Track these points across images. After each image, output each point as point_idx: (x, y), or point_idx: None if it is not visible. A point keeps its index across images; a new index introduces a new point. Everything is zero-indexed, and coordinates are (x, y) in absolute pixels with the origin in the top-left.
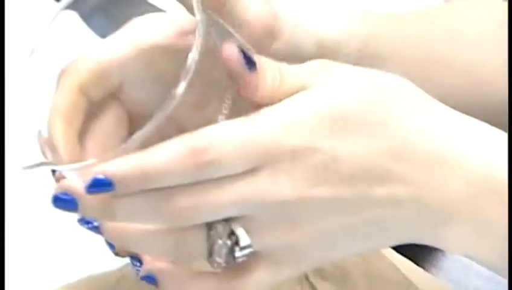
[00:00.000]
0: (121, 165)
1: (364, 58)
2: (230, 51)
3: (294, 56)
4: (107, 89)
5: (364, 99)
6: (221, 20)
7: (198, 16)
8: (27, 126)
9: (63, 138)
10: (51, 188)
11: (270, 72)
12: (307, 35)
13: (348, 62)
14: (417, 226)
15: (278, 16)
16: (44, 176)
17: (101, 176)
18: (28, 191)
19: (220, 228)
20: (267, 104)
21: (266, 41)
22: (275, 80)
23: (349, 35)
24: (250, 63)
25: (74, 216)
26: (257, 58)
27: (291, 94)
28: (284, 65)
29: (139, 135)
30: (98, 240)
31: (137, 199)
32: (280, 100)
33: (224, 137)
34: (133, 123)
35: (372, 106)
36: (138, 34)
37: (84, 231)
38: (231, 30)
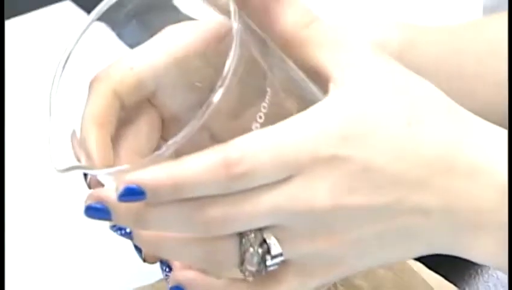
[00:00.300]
0: (153, 174)
1: None
2: None
3: None
4: (140, 95)
5: (399, 108)
6: (254, 25)
7: (235, 23)
8: (60, 131)
9: (96, 142)
10: (53, 188)
11: (299, 10)
12: None
13: None
14: (448, 236)
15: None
16: (44, 176)
17: (133, 185)
18: (28, 191)
19: (251, 236)
20: (289, 44)
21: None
22: (303, 17)
23: (384, 45)
24: None
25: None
26: None
27: (314, 47)
28: (318, 16)
29: (173, 142)
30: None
31: (170, 208)
32: (302, 46)
33: (257, 148)
34: (166, 128)
35: (405, 115)
36: (172, 41)
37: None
38: (266, 38)
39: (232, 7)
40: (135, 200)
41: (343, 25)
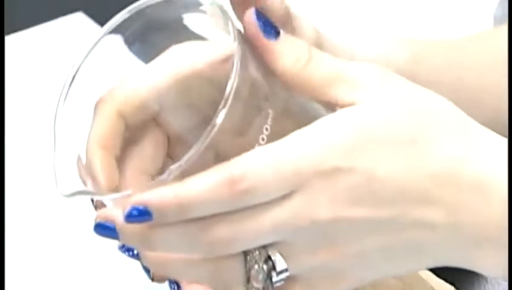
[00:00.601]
0: (159, 195)
1: None
2: (250, 13)
3: None
4: (144, 115)
5: (402, 120)
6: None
7: (236, 44)
8: (67, 153)
9: (101, 164)
10: (52, 190)
11: (296, 49)
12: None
13: None
14: (454, 249)
15: (322, 40)
16: (43, 177)
17: (139, 206)
18: (28, 191)
19: (256, 254)
20: (292, 84)
21: None
22: (301, 57)
23: (389, 60)
24: (272, 30)
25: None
26: (282, 31)
27: (320, 87)
28: (317, 51)
29: (177, 166)
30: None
31: (175, 229)
32: (307, 85)
33: (259, 164)
34: (172, 147)
35: (410, 128)
36: (175, 62)
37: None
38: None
39: (232, 28)
40: (142, 221)
41: (344, 44)
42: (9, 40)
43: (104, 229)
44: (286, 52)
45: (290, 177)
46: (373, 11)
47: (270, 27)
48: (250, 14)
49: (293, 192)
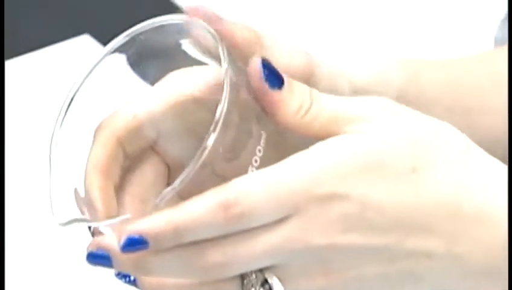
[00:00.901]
0: (154, 223)
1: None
2: (253, 64)
3: (337, 92)
4: (143, 143)
5: (401, 149)
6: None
7: (225, 66)
8: (63, 180)
9: (99, 192)
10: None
11: (299, 97)
12: (343, 82)
13: None
14: (453, 279)
15: (315, 63)
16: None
17: (135, 235)
18: (29, 191)
19: (253, 277)
20: (296, 131)
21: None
22: (302, 104)
23: (384, 81)
24: (276, 80)
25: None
26: (287, 78)
27: (321, 130)
28: (318, 94)
29: (171, 189)
30: None
31: (170, 255)
32: (308, 130)
33: (253, 189)
34: (172, 174)
35: (409, 157)
36: (172, 88)
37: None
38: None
39: (221, 50)
40: (138, 250)
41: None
42: (16, 62)
43: (97, 258)
44: (288, 102)
45: (285, 202)
46: (373, 32)
47: (275, 76)
48: (256, 63)
49: (288, 216)
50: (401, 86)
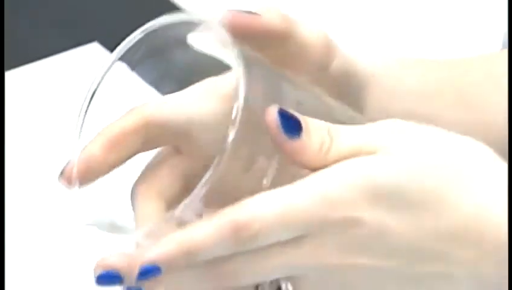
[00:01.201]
0: (165, 249)
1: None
2: (271, 117)
3: (349, 73)
4: (168, 134)
5: (418, 174)
6: (269, 65)
7: (240, 70)
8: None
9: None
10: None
11: (318, 137)
12: (359, 68)
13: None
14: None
15: (332, 48)
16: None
17: (148, 265)
18: (28, 191)
19: (266, 286)
20: (315, 169)
21: (327, 60)
22: (323, 145)
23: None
24: (295, 127)
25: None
26: (304, 121)
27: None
28: (336, 129)
29: (185, 204)
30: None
31: (182, 272)
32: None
33: (266, 211)
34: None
35: (426, 183)
36: (213, 86)
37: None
38: (282, 73)
39: (235, 53)
40: (153, 277)
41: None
42: (26, 70)
43: (108, 278)
44: (309, 145)
45: (297, 225)
46: (378, 32)
47: (292, 123)
48: (273, 113)
49: (302, 236)
50: (411, 82)
